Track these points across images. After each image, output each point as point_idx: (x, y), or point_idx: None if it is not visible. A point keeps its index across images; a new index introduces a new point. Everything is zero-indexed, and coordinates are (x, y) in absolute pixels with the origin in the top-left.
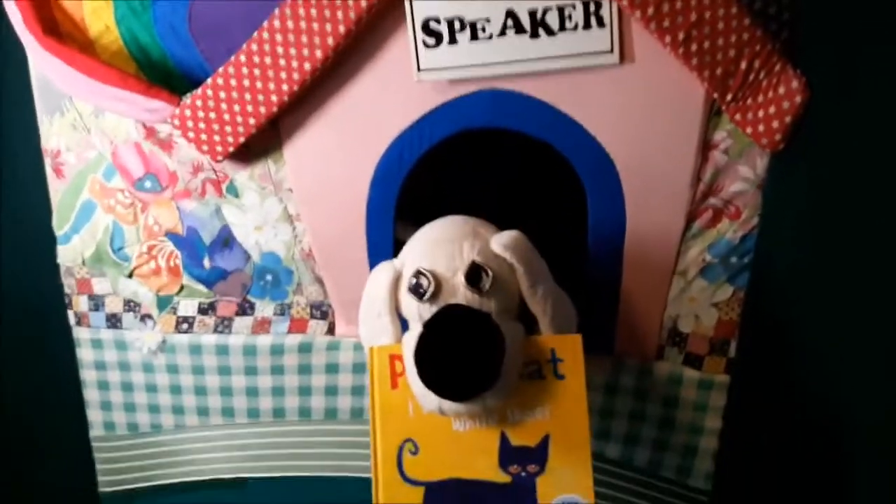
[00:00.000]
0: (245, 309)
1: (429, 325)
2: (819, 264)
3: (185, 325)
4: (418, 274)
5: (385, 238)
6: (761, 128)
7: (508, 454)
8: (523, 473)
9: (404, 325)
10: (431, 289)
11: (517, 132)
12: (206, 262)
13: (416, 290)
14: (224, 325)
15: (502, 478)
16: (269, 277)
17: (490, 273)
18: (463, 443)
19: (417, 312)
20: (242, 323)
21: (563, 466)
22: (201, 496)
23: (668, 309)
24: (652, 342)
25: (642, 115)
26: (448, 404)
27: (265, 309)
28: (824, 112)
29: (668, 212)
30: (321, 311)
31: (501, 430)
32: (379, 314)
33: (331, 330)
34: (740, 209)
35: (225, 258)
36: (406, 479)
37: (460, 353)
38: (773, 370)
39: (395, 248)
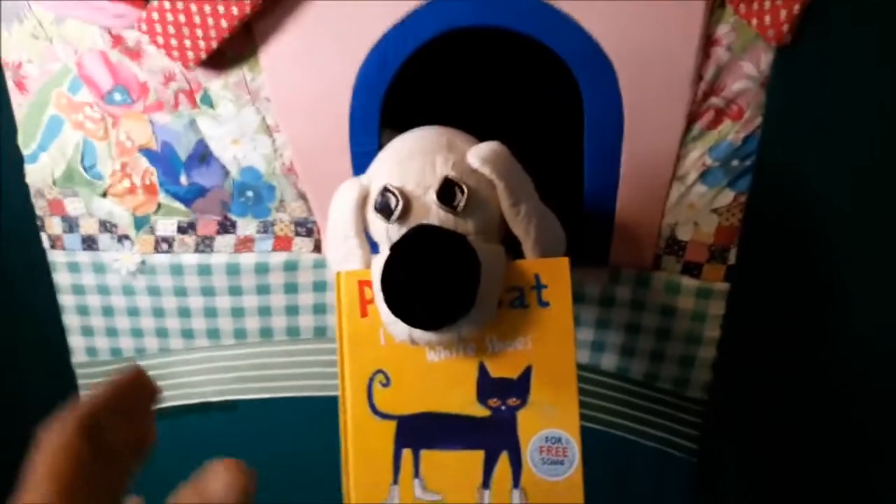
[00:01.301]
0: (226, 227)
1: (396, 248)
2: (825, 166)
3: (164, 245)
4: (385, 191)
5: (370, 149)
6: (767, 19)
7: (487, 386)
8: (503, 407)
9: (375, 248)
10: (400, 207)
11: (510, 32)
12: (183, 179)
13: (384, 210)
14: (205, 245)
15: (480, 411)
16: (249, 194)
17: (465, 190)
18: (438, 374)
19: (386, 234)
20: (224, 242)
21: (547, 400)
22: (190, 420)
23: (667, 216)
24: (649, 251)
25: (640, 8)
26: (419, 334)
27: (247, 227)
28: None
29: (668, 113)
30: (306, 227)
31: (480, 361)
32: (346, 237)
33: (317, 247)
34: (743, 109)
35: (202, 174)
36: (376, 413)
37: (431, 277)
38: (775, 277)
39: None
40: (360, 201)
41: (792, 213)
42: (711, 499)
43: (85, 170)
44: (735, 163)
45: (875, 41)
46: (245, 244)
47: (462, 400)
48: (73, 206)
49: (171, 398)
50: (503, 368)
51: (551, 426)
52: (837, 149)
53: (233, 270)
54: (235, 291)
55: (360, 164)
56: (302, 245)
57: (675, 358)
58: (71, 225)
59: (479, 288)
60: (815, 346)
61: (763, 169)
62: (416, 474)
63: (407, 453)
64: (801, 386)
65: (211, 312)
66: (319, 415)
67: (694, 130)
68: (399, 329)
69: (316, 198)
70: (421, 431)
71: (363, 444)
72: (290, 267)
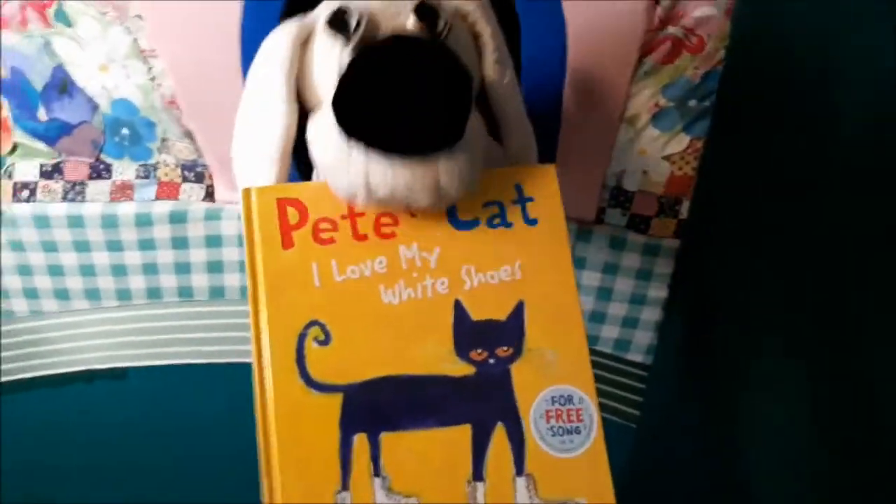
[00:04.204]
0: (100, 171)
1: (359, 57)
2: (792, 109)
3: (25, 193)
4: (341, 11)
5: None
6: None
7: (468, 334)
8: (491, 360)
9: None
10: (365, 22)
11: None
12: (42, 113)
13: (340, 24)
14: (75, 192)
15: (461, 369)
16: (125, 131)
17: (446, 20)
18: (398, 321)
19: (339, 68)
20: (98, 188)
21: (547, 345)
22: (75, 390)
23: (612, 163)
24: (592, 203)
25: None
26: (381, 171)
27: (125, 171)
28: None
29: (619, 43)
30: (195, 172)
31: (455, 299)
32: (272, 96)
33: (209, 195)
34: (703, 40)
35: (65, 108)
36: (312, 384)
37: (409, 82)
38: (731, 234)
39: None
40: (297, 44)
41: (754, 162)
42: (651, 468)
43: None
44: (692, 103)
45: None
46: (123, 191)
47: (434, 355)
48: None
49: (47, 366)
50: (487, 307)
51: (558, 381)
52: (808, 88)
53: (110, 223)
54: (115, 247)
55: None
56: (191, 192)
57: (617, 319)
58: None
59: (468, 125)
60: (771, 311)
61: (723, 111)
62: (377, 471)
63: (360, 440)
64: (751, 351)
65: (88, 271)
66: (220, 382)
67: (647, 64)
68: (352, 169)
69: (205, 136)
70: (379, 406)
71: (293, 432)
72: (178, 218)
